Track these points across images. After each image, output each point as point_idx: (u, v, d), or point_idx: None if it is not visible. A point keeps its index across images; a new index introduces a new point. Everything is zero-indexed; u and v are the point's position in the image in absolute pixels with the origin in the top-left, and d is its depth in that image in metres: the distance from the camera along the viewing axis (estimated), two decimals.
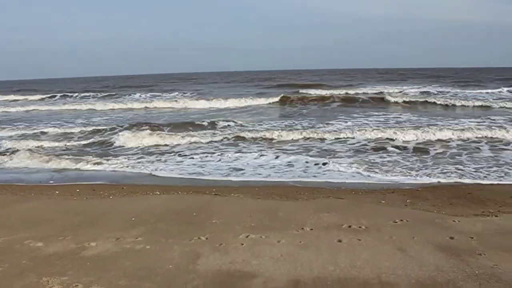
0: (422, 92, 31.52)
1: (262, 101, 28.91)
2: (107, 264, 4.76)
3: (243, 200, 7.49)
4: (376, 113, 20.87)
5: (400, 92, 31.68)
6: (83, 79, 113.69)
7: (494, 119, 17.72)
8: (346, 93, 31.12)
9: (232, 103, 28.29)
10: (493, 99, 25.74)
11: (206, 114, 24.01)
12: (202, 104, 28.77)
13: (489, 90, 31.72)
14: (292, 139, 14.64)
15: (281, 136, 15.00)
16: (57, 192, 8.53)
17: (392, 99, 26.31)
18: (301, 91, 34.01)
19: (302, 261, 4.70)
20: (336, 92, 32.11)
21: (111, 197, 7.98)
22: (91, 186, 9.04)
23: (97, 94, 40.96)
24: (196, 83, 58.24)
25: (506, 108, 22.03)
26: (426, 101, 25.80)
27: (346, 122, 18.17)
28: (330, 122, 18.01)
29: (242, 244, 5.25)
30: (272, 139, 14.78)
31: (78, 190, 8.61)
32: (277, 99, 28.85)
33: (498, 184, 8.50)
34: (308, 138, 14.70)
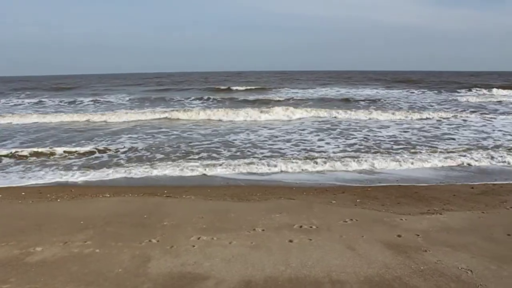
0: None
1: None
2: (53, 269, 4.61)
3: (194, 201, 7.44)
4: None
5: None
6: None
7: None
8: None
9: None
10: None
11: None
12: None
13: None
14: None
15: None
16: (0, 195, 8.18)
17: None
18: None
19: (253, 262, 4.72)
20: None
21: (58, 200, 7.72)
22: (37, 189, 8.72)
23: None
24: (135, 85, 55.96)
25: None
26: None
27: None
28: None
29: (194, 246, 5.22)
30: None
31: (23, 194, 8.29)
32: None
33: (443, 184, 8.79)
34: None
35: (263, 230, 5.79)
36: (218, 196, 7.79)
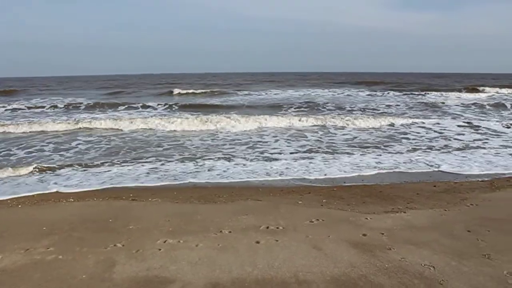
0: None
1: None
2: (14, 277, 4.48)
3: (161, 204, 7.36)
4: None
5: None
6: None
7: None
8: None
9: None
10: None
11: None
12: None
13: None
14: None
15: None
16: None
17: None
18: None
19: (220, 264, 4.70)
20: None
21: (19, 206, 7.51)
22: None
23: None
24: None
25: None
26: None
27: None
28: None
29: (160, 250, 5.16)
30: None
31: None
32: None
33: (407, 182, 8.98)
34: None
35: (229, 232, 5.78)
36: (185, 198, 7.73)
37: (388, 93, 36.06)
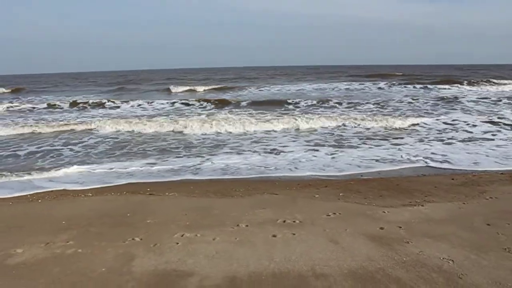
0: None
1: None
2: (34, 271, 4.55)
3: (178, 198, 7.41)
4: None
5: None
6: None
7: None
8: None
9: None
10: None
11: None
12: None
13: None
14: None
15: None
16: None
17: None
18: None
19: (237, 258, 4.72)
20: None
21: (39, 200, 7.63)
22: None
23: None
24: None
25: None
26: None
27: None
28: None
29: (177, 243, 5.20)
30: None
31: (1, 197, 8.15)
32: None
33: (424, 176, 8.90)
34: None
35: (246, 225, 5.79)
36: (202, 192, 7.77)
37: (414, 86, 34.76)
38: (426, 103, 23.55)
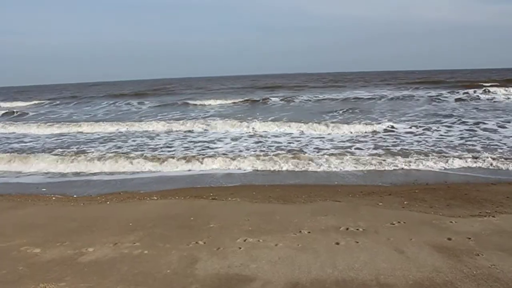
0: None
1: None
2: (104, 269, 4.74)
3: (240, 203, 7.49)
4: None
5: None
6: None
7: None
8: None
9: None
10: None
11: None
12: None
13: None
14: None
15: None
16: (53, 198, 8.50)
17: None
18: None
19: (300, 264, 4.69)
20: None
21: (108, 202, 7.96)
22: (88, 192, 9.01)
23: None
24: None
25: None
26: None
27: None
28: None
29: (240, 248, 5.24)
30: None
31: (75, 196, 8.58)
32: None
33: (493, 184, 8.50)
34: None
35: (309, 232, 5.75)
36: (263, 198, 7.81)
37: None
38: None
